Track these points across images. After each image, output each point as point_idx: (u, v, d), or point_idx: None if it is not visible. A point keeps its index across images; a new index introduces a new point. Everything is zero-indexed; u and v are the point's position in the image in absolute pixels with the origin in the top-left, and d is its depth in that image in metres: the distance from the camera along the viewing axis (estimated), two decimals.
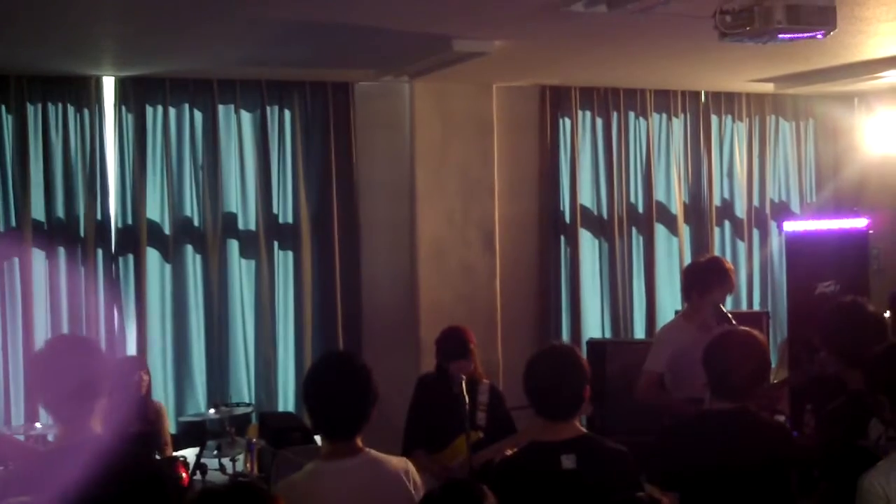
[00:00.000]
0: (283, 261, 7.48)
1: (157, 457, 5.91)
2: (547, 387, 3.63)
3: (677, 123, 8.46)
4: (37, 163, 6.83)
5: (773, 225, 8.76)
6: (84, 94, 6.91)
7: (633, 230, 8.32)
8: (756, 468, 3.76)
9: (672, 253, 8.46)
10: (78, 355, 3.19)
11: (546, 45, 6.28)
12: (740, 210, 8.69)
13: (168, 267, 7.19)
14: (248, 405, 6.98)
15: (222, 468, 5.78)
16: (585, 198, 8.18)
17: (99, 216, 6.99)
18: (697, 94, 8.49)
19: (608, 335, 8.13)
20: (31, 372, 3.16)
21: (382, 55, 6.60)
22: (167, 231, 7.17)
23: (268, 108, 7.34)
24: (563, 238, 8.11)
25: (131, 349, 7.00)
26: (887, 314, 5.57)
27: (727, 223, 8.71)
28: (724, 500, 3.75)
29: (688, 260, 8.19)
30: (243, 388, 7.33)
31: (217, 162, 7.22)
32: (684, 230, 8.49)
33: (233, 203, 7.33)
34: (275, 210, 7.41)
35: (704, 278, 5.72)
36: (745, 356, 3.87)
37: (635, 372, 5.72)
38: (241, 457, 6.01)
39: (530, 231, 8.07)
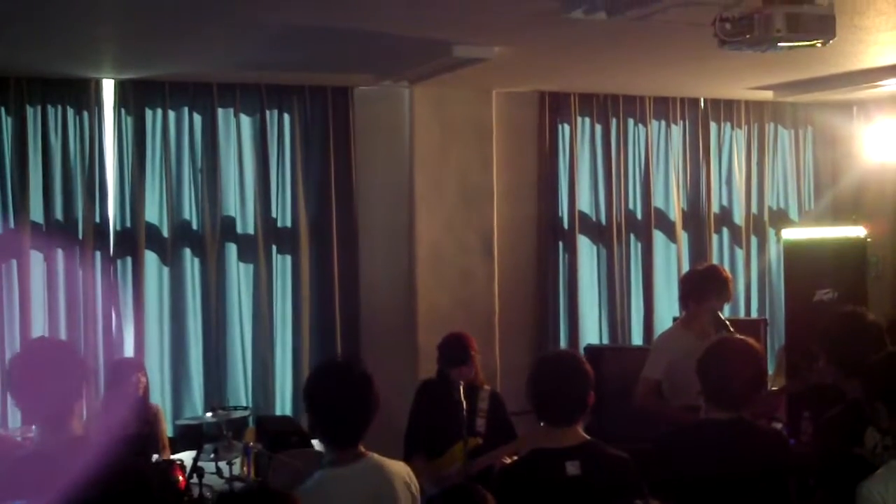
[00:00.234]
0: (282, 265, 7.46)
1: (155, 459, 5.90)
2: (551, 392, 3.63)
3: (676, 130, 8.46)
4: (36, 165, 6.83)
5: (771, 232, 8.76)
6: (84, 96, 6.90)
7: (632, 237, 8.31)
8: (754, 476, 3.76)
9: (670, 259, 8.45)
10: (54, 358, 3.18)
11: (546, 51, 6.29)
12: (739, 217, 8.69)
13: (166, 270, 7.18)
14: (246, 409, 6.96)
15: (219, 472, 5.76)
16: (584, 204, 8.17)
17: (97, 218, 6.98)
18: (696, 101, 8.49)
19: (606, 341, 8.10)
20: (9, 374, 3.15)
21: (382, 60, 6.60)
22: (165, 234, 7.17)
23: (267, 113, 7.34)
24: (561, 244, 8.11)
25: (129, 351, 6.99)
26: None
27: (725, 230, 8.70)
28: None
29: (686, 266, 8.18)
30: (240, 392, 7.32)
31: (216, 165, 7.21)
32: (683, 237, 8.49)
33: (231, 207, 7.32)
34: (273, 214, 7.40)
35: (701, 287, 5.71)
36: (742, 365, 3.87)
37: (633, 378, 5.70)
38: (237, 460, 5.98)
39: (529, 237, 8.06)
